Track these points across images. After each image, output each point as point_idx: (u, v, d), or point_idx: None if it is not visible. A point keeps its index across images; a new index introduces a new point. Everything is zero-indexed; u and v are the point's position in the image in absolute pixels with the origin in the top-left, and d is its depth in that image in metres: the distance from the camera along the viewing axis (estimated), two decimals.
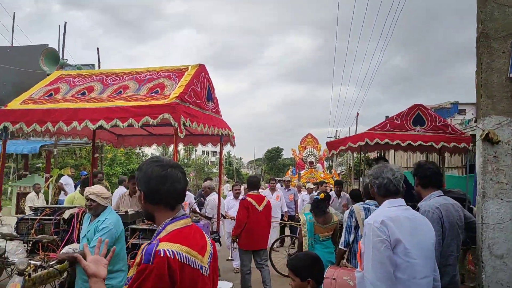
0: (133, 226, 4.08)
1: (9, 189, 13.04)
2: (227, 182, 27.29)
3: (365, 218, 4.07)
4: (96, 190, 3.38)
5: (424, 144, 6.06)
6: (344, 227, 4.23)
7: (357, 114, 23.76)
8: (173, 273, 1.43)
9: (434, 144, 6.03)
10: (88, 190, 3.40)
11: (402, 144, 6.07)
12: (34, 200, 8.22)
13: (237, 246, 5.59)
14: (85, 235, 3.37)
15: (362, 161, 7.69)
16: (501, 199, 3.21)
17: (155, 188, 1.56)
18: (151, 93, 4.04)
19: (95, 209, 3.33)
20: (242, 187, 8.06)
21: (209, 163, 55.66)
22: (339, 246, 4.25)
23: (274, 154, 59.37)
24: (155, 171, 1.58)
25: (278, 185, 12.24)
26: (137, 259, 1.49)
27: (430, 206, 3.09)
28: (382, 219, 2.21)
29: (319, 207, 4.80)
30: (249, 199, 5.34)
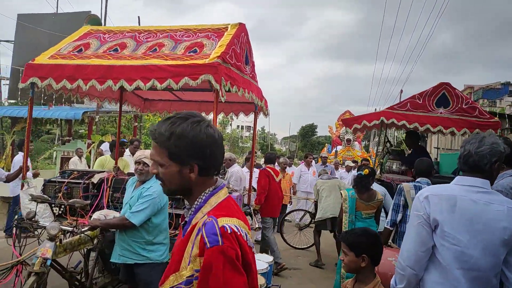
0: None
1: (54, 153, 13.61)
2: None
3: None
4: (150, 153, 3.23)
5: (444, 130, 5.55)
6: (392, 205, 3.93)
7: (401, 91, 22.39)
8: (244, 252, 1.17)
9: (455, 130, 5.54)
10: (140, 153, 3.18)
11: (420, 128, 5.56)
12: (77, 164, 8.36)
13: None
14: (127, 202, 3.15)
15: (386, 142, 7.11)
16: None
17: (212, 156, 1.24)
18: (189, 52, 3.73)
19: (146, 174, 3.09)
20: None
21: (243, 137, 55.88)
22: (385, 226, 3.98)
23: (308, 131, 58.60)
24: (209, 134, 1.23)
25: (313, 161, 11.99)
26: (190, 249, 1.17)
27: (503, 186, 2.68)
28: (427, 194, 1.98)
29: (363, 183, 4.54)
30: (268, 169, 5.92)
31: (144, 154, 3.12)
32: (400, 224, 3.84)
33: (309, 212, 7.58)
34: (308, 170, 9.37)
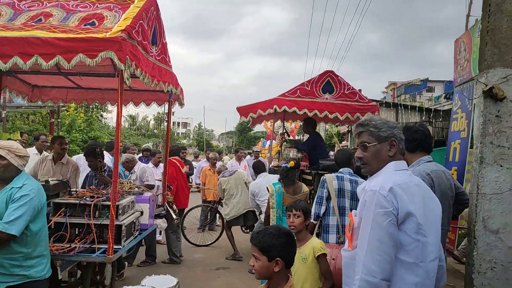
0: (57, 200, 3.25)
1: None
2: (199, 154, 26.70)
3: (338, 188, 3.63)
4: (8, 144, 2.56)
5: (329, 116, 5.97)
6: (315, 198, 3.74)
7: None
8: None
9: (338, 116, 5.96)
10: None
11: (309, 113, 5.94)
12: None
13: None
14: None
15: (284, 132, 7.58)
16: (501, 166, 2.74)
17: None
18: (85, 25, 3.09)
19: (5, 170, 2.42)
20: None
21: (179, 134, 54.33)
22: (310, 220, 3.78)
23: (245, 126, 58.58)
24: None
25: (248, 156, 11.90)
26: None
27: (419, 173, 2.66)
28: (391, 186, 1.71)
29: (289, 175, 4.32)
30: (173, 160, 5.97)
31: None
32: (324, 217, 3.66)
33: (211, 206, 7.39)
34: (239, 164, 9.17)
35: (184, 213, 6.60)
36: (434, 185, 2.64)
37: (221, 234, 6.93)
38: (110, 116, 25.55)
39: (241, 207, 6.02)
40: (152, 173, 5.66)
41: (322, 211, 3.66)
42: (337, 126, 18.44)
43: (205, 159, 10.14)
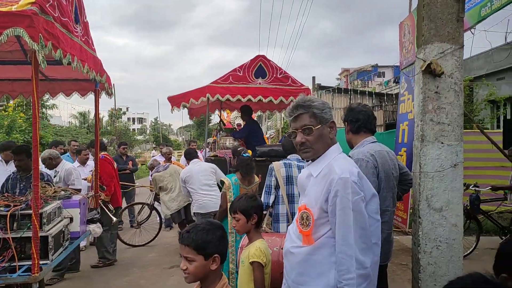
0: None
1: None
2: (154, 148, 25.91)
3: (286, 175, 3.50)
4: None
5: (263, 100, 5.96)
6: (264, 187, 3.58)
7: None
8: None
9: (273, 99, 5.96)
10: None
11: (243, 99, 5.91)
12: None
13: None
14: None
15: (220, 121, 7.58)
16: (442, 143, 2.70)
17: None
18: None
19: None
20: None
21: (134, 130, 52.54)
22: None
23: (203, 120, 57.70)
24: None
25: (207, 149, 11.64)
26: None
27: (363, 154, 2.57)
28: (358, 171, 1.67)
29: (251, 165, 4.14)
30: (107, 156, 5.57)
31: None
32: (273, 206, 3.52)
33: (147, 204, 6.87)
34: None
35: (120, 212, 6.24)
36: (378, 165, 2.57)
37: (158, 233, 6.57)
38: (56, 113, 23.99)
39: (181, 200, 5.83)
40: (79, 175, 5.07)
41: (271, 201, 3.51)
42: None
43: (159, 154, 9.85)
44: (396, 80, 16.32)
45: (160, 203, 6.25)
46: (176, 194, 5.84)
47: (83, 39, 3.27)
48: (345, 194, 1.58)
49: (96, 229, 3.60)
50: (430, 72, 2.68)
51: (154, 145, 11.32)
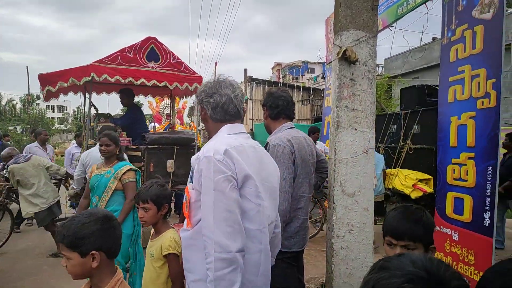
0: None
1: None
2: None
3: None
4: None
5: (158, 84, 5.65)
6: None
7: (216, 63, 22.62)
8: None
9: (168, 84, 5.73)
10: None
11: (135, 82, 5.40)
12: None
13: None
14: None
15: (90, 105, 6.10)
16: (356, 129, 2.75)
17: None
18: None
19: None
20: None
21: (54, 119, 48.43)
22: None
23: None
24: None
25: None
26: None
27: (281, 139, 2.55)
28: (225, 148, 1.54)
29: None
30: None
31: None
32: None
33: None
34: None
35: None
36: (294, 151, 2.54)
37: (9, 235, 5.48)
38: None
39: (50, 196, 5.01)
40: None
41: None
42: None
43: (75, 145, 8.92)
44: (324, 76, 17.00)
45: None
46: (43, 190, 4.99)
47: None
48: (207, 173, 1.50)
49: None
50: (346, 58, 2.70)
51: (74, 134, 10.24)
